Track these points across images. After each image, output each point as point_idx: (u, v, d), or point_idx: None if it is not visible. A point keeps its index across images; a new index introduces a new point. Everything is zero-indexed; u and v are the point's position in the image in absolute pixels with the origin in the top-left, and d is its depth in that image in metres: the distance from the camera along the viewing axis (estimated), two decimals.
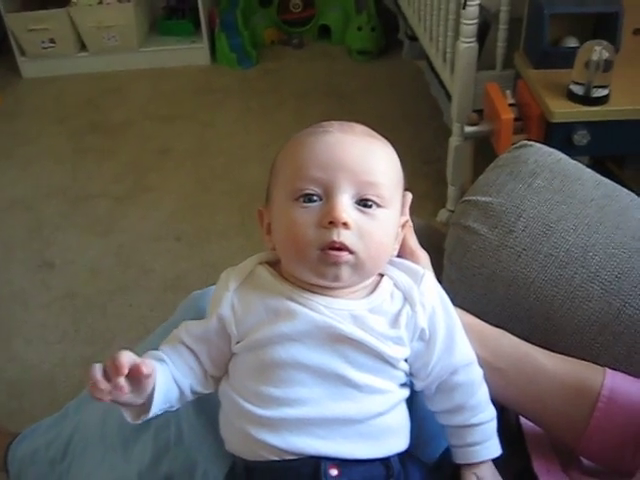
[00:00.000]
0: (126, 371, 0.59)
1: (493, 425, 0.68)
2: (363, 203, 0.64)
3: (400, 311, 0.66)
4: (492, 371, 0.70)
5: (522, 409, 0.73)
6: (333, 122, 0.69)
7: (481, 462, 0.67)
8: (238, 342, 0.67)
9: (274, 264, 0.70)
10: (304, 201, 0.64)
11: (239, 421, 0.66)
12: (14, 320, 1.80)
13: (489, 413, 0.68)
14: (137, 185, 2.31)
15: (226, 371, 0.69)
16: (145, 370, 0.60)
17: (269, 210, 0.69)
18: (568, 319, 0.87)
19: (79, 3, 2.91)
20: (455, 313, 0.69)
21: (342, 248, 0.63)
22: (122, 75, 3.01)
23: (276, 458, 0.63)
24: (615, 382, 0.69)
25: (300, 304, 0.65)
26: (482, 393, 0.68)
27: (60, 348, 1.70)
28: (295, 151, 0.66)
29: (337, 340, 0.64)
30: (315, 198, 0.64)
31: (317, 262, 0.63)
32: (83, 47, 3.03)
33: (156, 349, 0.69)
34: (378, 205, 0.65)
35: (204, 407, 0.75)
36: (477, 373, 0.68)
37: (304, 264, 0.64)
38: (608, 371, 0.70)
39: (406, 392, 0.68)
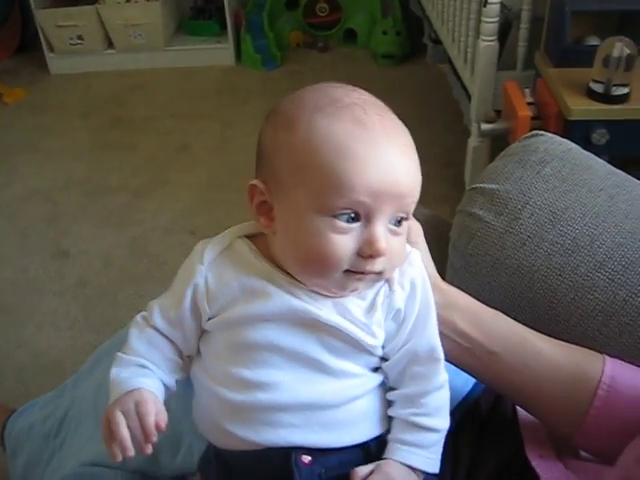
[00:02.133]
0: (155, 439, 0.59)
1: (436, 438, 0.63)
2: (396, 221, 0.60)
3: (378, 292, 0.63)
4: (486, 355, 0.67)
5: (517, 396, 0.70)
6: (366, 108, 0.60)
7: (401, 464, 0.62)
8: (210, 319, 0.64)
9: (254, 237, 0.66)
10: (343, 221, 0.58)
11: (210, 408, 0.64)
12: (26, 306, 1.81)
13: (437, 423, 0.63)
14: (154, 179, 2.31)
15: (197, 350, 0.66)
16: (163, 427, 0.60)
17: (276, 197, 0.61)
18: (573, 309, 0.84)
19: (108, 0, 2.94)
20: (432, 301, 0.65)
21: (370, 272, 0.60)
22: (147, 73, 3.04)
23: (246, 448, 0.61)
24: (615, 370, 0.66)
25: (278, 285, 0.62)
26: (438, 398, 0.64)
27: (69, 335, 1.70)
28: (339, 162, 0.57)
29: (314, 325, 0.61)
30: (353, 219, 0.58)
31: (340, 280, 0.60)
32: (110, 44, 3.06)
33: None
34: (406, 219, 0.62)
35: (189, 381, 0.74)
36: (440, 375, 0.64)
37: (324, 280, 0.60)
38: (608, 358, 0.68)
39: (381, 376, 0.65)
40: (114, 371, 0.65)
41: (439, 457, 0.64)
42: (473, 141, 1.89)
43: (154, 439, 0.59)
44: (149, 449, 0.60)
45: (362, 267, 0.59)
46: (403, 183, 0.59)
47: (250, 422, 0.61)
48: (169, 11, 3.09)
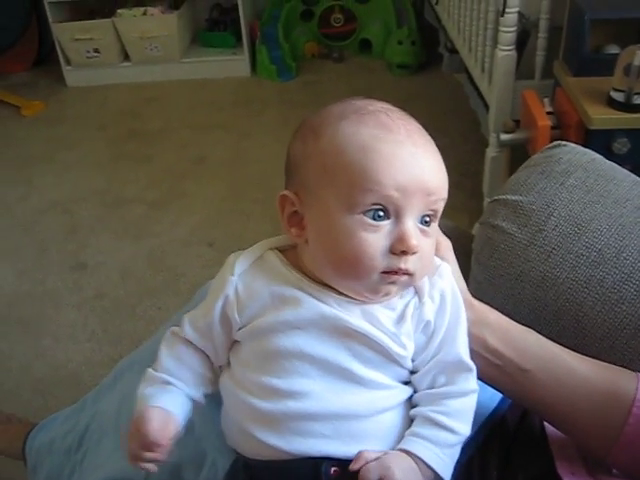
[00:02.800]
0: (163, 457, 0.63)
1: (452, 439, 0.61)
2: (424, 220, 0.61)
3: (408, 303, 0.63)
4: (518, 372, 0.66)
5: (550, 414, 0.68)
6: (390, 114, 0.61)
7: (407, 452, 0.60)
8: (240, 329, 0.64)
9: (285, 251, 0.67)
10: (373, 217, 0.59)
11: (240, 417, 0.63)
12: (45, 318, 1.81)
13: (457, 425, 0.61)
14: (172, 191, 2.32)
15: (227, 361, 0.66)
16: (163, 443, 0.63)
17: (307, 204, 0.62)
18: (599, 322, 0.83)
19: (124, 14, 2.97)
20: (463, 313, 0.64)
21: (403, 272, 0.60)
22: (163, 85, 3.06)
23: (276, 458, 0.61)
24: None
25: (308, 294, 0.62)
26: (462, 403, 0.62)
27: (88, 347, 1.71)
28: (366, 160, 0.59)
29: (344, 333, 0.61)
30: (383, 215, 0.59)
31: (374, 283, 0.60)
32: (126, 57, 3.09)
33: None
34: (434, 219, 0.62)
35: (215, 396, 0.73)
36: (469, 383, 0.63)
37: (358, 282, 0.61)
38: None
39: (410, 390, 0.64)
40: (140, 387, 0.66)
41: (452, 463, 0.61)
42: (491, 151, 1.88)
43: (153, 456, 0.63)
44: (151, 467, 0.64)
45: (396, 265, 0.59)
46: (429, 179, 0.60)
47: (280, 431, 0.60)
48: (185, 23, 3.11)
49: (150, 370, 0.67)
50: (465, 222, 2.06)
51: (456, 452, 0.62)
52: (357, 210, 0.59)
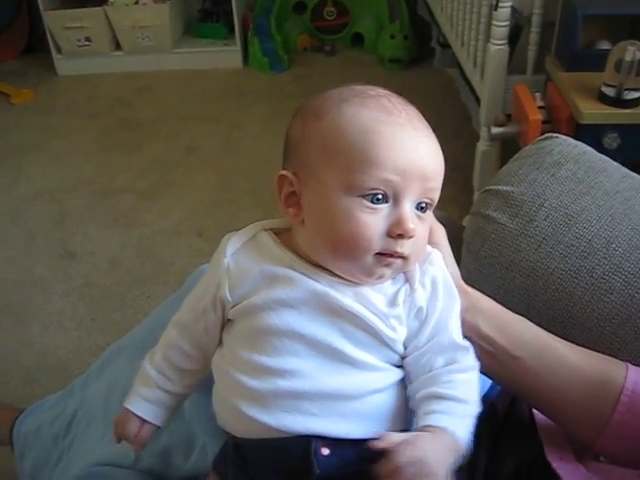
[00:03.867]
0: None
1: (466, 409, 0.60)
2: (420, 206, 0.62)
3: (399, 290, 0.64)
4: (510, 359, 0.67)
5: (540, 401, 0.69)
6: (391, 99, 0.62)
7: (436, 428, 0.58)
8: (233, 307, 0.65)
9: (279, 233, 0.67)
10: (371, 201, 0.59)
11: (230, 395, 0.63)
12: (33, 307, 1.80)
13: (465, 395, 0.60)
14: (162, 181, 2.31)
15: (220, 342, 0.67)
16: (138, 450, 0.71)
17: (305, 184, 0.63)
18: (588, 312, 0.83)
19: (116, 2, 2.95)
20: (456, 297, 0.65)
21: (399, 255, 0.61)
22: (155, 75, 3.04)
23: (266, 436, 0.61)
24: (639, 377, 0.65)
25: (300, 273, 0.63)
26: (465, 378, 0.62)
27: (76, 336, 1.70)
28: (366, 142, 0.59)
29: (335, 312, 0.61)
30: (381, 198, 0.60)
31: (370, 264, 0.61)
32: (118, 46, 3.07)
33: (164, 326, 0.71)
34: (429, 207, 0.63)
35: (204, 381, 0.73)
36: (467, 358, 0.62)
37: (354, 264, 0.61)
38: (630, 366, 0.67)
39: (402, 373, 0.64)
40: (136, 379, 0.71)
41: (471, 430, 0.60)
42: (482, 145, 1.89)
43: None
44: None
45: (392, 248, 0.60)
46: (427, 164, 0.61)
47: (270, 408, 0.61)
48: (177, 13, 3.09)
49: (146, 362, 0.71)
50: (455, 215, 2.06)
51: (471, 424, 0.60)
52: (356, 193, 0.59)
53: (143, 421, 0.69)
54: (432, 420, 0.58)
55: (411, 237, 0.60)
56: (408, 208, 0.60)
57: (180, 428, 0.77)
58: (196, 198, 2.22)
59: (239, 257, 0.65)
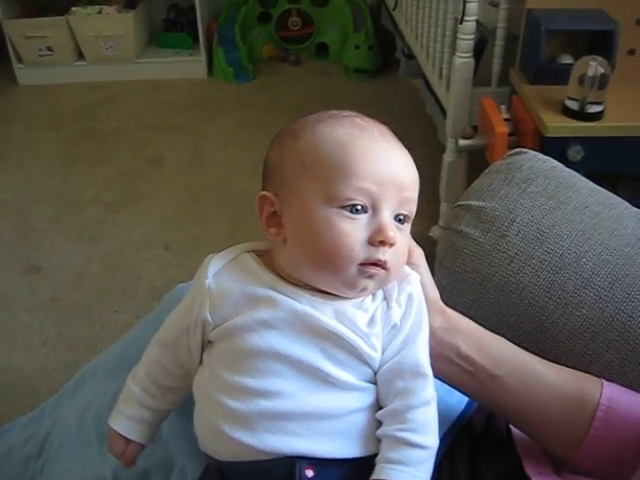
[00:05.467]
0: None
1: (423, 455, 0.60)
2: (398, 218, 0.63)
3: (377, 307, 0.64)
4: (489, 378, 0.67)
5: (518, 418, 0.70)
6: (364, 119, 0.65)
7: None
8: (214, 329, 0.64)
9: (260, 255, 0.67)
10: (351, 211, 0.61)
11: (213, 417, 0.63)
12: None
13: (425, 440, 0.60)
14: (128, 193, 2.29)
15: (201, 362, 0.67)
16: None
17: (285, 202, 0.64)
18: (561, 326, 0.85)
19: (78, 12, 2.92)
20: (426, 320, 0.65)
21: (381, 265, 0.61)
22: (118, 85, 3.01)
23: (249, 459, 0.61)
24: (613, 392, 0.67)
25: (282, 293, 0.63)
26: (425, 414, 0.61)
27: (42, 352, 1.67)
28: (343, 154, 0.61)
29: (317, 332, 0.62)
30: (360, 209, 0.61)
31: (353, 276, 0.61)
32: (81, 56, 3.03)
33: (140, 346, 0.70)
34: (407, 220, 0.65)
35: (184, 401, 0.73)
36: (426, 390, 0.62)
37: (337, 276, 0.62)
38: (605, 382, 0.69)
39: None
40: (119, 397, 0.71)
41: (428, 478, 0.61)
42: (448, 156, 1.91)
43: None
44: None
45: (374, 256, 0.61)
46: (403, 174, 0.63)
47: (254, 429, 0.60)
48: (141, 23, 3.07)
49: (129, 380, 0.70)
50: (422, 226, 2.08)
51: (430, 466, 0.61)
52: (335, 203, 0.61)
53: (128, 440, 0.69)
54: (388, 474, 0.59)
55: (392, 245, 0.61)
56: (387, 216, 0.61)
57: (158, 450, 0.77)
58: (163, 210, 2.20)
59: (221, 278, 0.65)
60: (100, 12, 2.93)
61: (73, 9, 2.92)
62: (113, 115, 2.79)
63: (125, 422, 0.69)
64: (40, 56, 2.96)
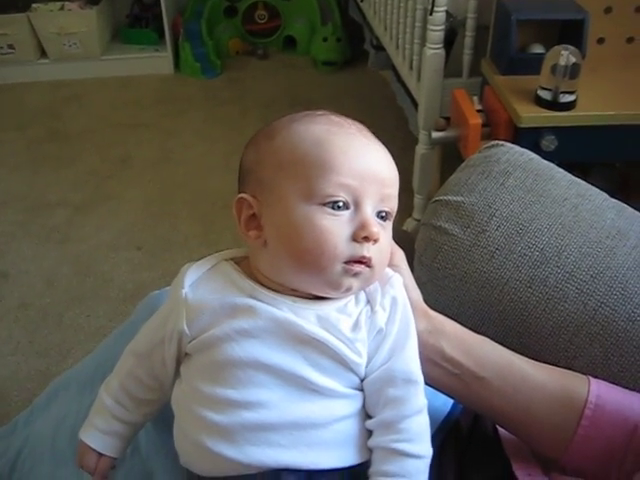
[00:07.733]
0: None
1: (420, 465, 0.59)
2: (380, 215, 0.62)
3: (361, 311, 0.63)
4: (475, 380, 0.66)
5: (506, 420, 0.69)
6: (340, 116, 0.64)
7: None
8: (191, 341, 0.62)
9: (239, 262, 0.65)
10: (332, 208, 0.59)
11: (194, 431, 0.61)
12: None
13: (420, 449, 0.59)
14: (97, 193, 2.25)
15: (179, 375, 0.64)
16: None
17: (264, 203, 0.61)
18: (543, 320, 0.84)
19: (40, 8, 2.85)
20: (413, 324, 0.64)
21: (366, 262, 0.60)
22: (83, 83, 2.95)
23: (233, 473, 0.59)
24: (601, 389, 0.66)
25: (261, 301, 0.61)
26: (418, 423, 0.60)
27: (13, 361, 1.63)
28: (321, 150, 0.60)
29: (299, 340, 0.60)
30: (342, 205, 0.59)
31: (338, 275, 0.60)
32: (43, 54, 2.97)
33: (114, 357, 0.68)
34: (389, 217, 0.63)
35: (161, 416, 0.70)
36: (418, 398, 0.61)
37: (321, 276, 0.60)
38: (592, 379, 0.68)
39: None
40: (92, 409, 0.69)
41: None
42: (421, 148, 1.90)
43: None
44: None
45: (359, 253, 0.59)
46: (383, 169, 0.62)
47: (237, 442, 0.58)
48: (105, 19, 3.01)
49: (102, 391, 0.68)
50: (396, 218, 2.06)
51: (426, 476, 0.60)
52: (315, 201, 0.59)
53: (100, 454, 0.67)
54: None
55: (376, 240, 0.60)
56: (370, 212, 0.60)
57: (137, 466, 0.74)
58: (133, 210, 2.16)
59: (198, 288, 0.63)
60: (62, 8, 2.86)
61: (34, 5, 2.86)
62: (79, 114, 2.73)
63: (97, 435, 0.67)
64: (1, 54, 2.90)
